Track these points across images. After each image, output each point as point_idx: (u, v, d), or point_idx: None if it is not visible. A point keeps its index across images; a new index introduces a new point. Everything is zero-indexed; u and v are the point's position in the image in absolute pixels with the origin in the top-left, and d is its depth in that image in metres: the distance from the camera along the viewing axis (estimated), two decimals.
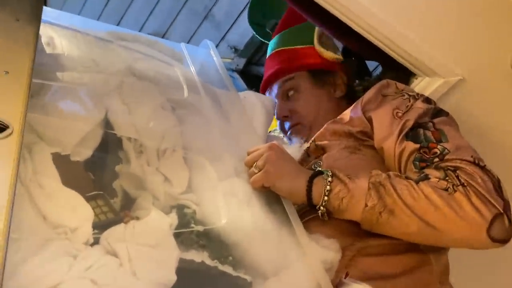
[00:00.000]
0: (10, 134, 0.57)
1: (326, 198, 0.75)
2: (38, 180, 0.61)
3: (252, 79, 1.90)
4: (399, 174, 0.77)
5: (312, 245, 0.73)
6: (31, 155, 0.64)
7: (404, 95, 0.89)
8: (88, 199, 0.64)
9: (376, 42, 0.97)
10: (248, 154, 0.84)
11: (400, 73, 1.05)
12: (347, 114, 0.96)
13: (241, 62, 1.92)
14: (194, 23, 1.85)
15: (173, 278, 0.59)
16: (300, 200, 0.78)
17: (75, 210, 0.60)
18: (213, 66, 1.15)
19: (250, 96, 1.12)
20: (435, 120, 0.83)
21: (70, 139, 0.70)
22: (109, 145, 0.77)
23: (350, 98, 1.10)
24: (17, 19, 0.68)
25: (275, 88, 1.13)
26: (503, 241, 0.70)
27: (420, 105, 0.86)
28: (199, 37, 1.90)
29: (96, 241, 0.59)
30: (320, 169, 0.81)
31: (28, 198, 0.58)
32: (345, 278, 0.74)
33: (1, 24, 0.66)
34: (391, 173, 0.77)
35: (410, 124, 0.82)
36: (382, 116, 0.86)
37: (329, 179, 0.76)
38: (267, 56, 1.21)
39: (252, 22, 1.48)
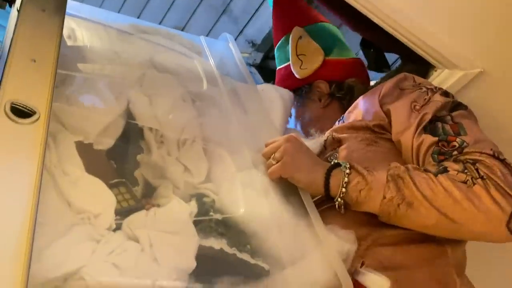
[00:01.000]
0: (37, 119, 0.58)
1: (344, 190, 0.75)
2: (63, 167, 0.62)
3: (269, 74, 1.90)
4: (417, 166, 0.76)
5: (329, 236, 0.72)
6: (56, 143, 0.65)
7: (422, 88, 0.88)
8: (111, 187, 0.65)
9: (395, 34, 0.96)
10: (266, 145, 0.85)
11: (420, 65, 1.04)
12: (364, 106, 0.95)
13: (258, 57, 1.91)
14: (212, 18, 1.85)
15: (193, 264, 0.60)
16: (318, 192, 0.78)
17: (98, 197, 0.61)
18: (231, 59, 1.15)
19: (269, 88, 1.12)
20: (454, 114, 0.82)
21: (92, 129, 0.71)
22: (131, 135, 0.78)
23: (341, 99, 1.12)
24: (43, 10, 0.69)
25: None
26: None
27: (438, 98, 0.84)
28: (217, 32, 1.90)
29: (118, 227, 0.60)
30: (336, 161, 0.81)
31: (53, 184, 0.59)
32: (361, 267, 0.74)
33: (28, 15, 0.67)
34: (409, 165, 0.76)
35: (428, 117, 0.81)
36: (400, 109, 0.85)
37: (347, 171, 0.76)
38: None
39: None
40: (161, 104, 0.85)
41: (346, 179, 0.75)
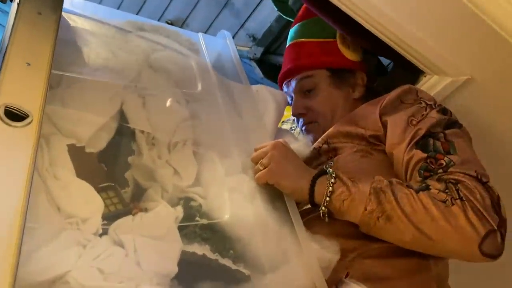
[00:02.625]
0: (30, 122, 0.59)
1: (328, 198, 0.77)
2: (54, 171, 0.63)
3: (269, 68, 1.89)
4: (401, 182, 0.78)
5: (310, 244, 0.74)
6: (49, 146, 0.67)
7: (421, 103, 0.88)
8: (100, 191, 0.66)
9: (386, 40, 0.97)
10: (255, 150, 0.86)
11: (410, 70, 1.05)
12: (362, 111, 0.96)
13: (258, 51, 1.90)
14: (214, 11, 1.84)
15: (175, 269, 0.62)
16: (303, 199, 0.80)
17: (87, 202, 0.63)
18: (229, 57, 1.15)
19: (262, 90, 1.12)
20: (447, 131, 0.83)
21: (85, 131, 0.72)
22: (123, 137, 0.79)
23: (369, 98, 1.08)
24: (39, 13, 0.70)
25: (293, 83, 1.10)
26: (494, 257, 0.71)
27: (434, 115, 0.85)
28: (219, 25, 1.88)
29: (104, 232, 0.61)
30: (328, 168, 0.82)
31: (44, 188, 0.61)
32: (345, 278, 0.75)
33: (25, 18, 0.67)
34: (393, 180, 0.77)
35: (421, 132, 0.82)
36: (397, 122, 0.86)
37: (332, 180, 0.77)
38: (288, 44, 1.17)
39: None
40: (154, 105, 0.86)
41: (330, 188, 0.77)
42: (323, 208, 0.77)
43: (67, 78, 0.79)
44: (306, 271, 0.71)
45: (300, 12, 1.20)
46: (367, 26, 0.95)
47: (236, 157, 0.87)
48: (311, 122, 1.08)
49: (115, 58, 0.91)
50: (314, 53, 1.10)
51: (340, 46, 1.09)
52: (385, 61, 1.21)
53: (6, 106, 0.58)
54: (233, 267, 0.67)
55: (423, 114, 0.85)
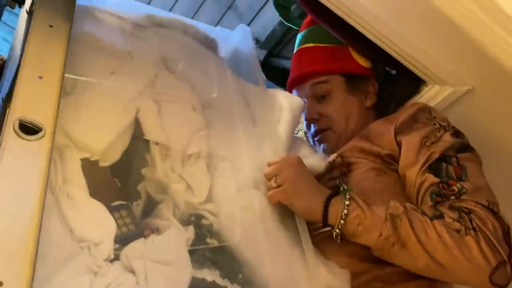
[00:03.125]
0: (43, 136, 0.59)
1: (342, 221, 0.76)
2: (67, 189, 0.62)
3: (272, 71, 1.85)
4: (415, 207, 0.78)
5: (320, 270, 0.73)
6: (62, 161, 0.65)
7: (435, 124, 0.89)
8: (112, 210, 0.65)
9: (388, 50, 0.97)
10: (268, 165, 0.84)
11: (412, 80, 1.05)
12: (378, 129, 0.94)
13: (261, 54, 1.87)
14: (217, 13, 1.79)
15: None
16: (316, 219, 0.79)
17: (99, 223, 0.62)
18: (245, 55, 1.12)
19: (279, 95, 1.08)
20: (460, 155, 0.83)
21: (99, 144, 0.70)
22: (137, 148, 0.77)
23: (379, 108, 1.08)
24: (50, 25, 0.69)
25: (306, 88, 1.08)
26: (502, 286, 0.73)
27: (448, 138, 0.85)
28: (223, 27, 1.86)
29: (116, 257, 0.61)
30: (343, 185, 0.82)
31: (57, 208, 0.60)
32: None
33: (36, 31, 0.66)
34: (408, 205, 0.77)
35: (435, 156, 0.82)
36: (411, 142, 0.86)
37: (347, 202, 0.76)
38: (297, 49, 1.15)
39: (277, 3, 1.40)
40: (170, 113, 0.84)
41: (345, 211, 0.76)
42: (337, 230, 0.77)
43: (81, 83, 0.76)
44: None
45: (309, 17, 1.17)
46: (369, 36, 0.95)
47: (249, 170, 0.85)
48: (324, 130, 1.06)
49: (131, 59, 0.87)
50: (327, 58, 1.08)
51: (352, 52, 1.08)
52: None
53: (20, 120, 0.57)
54: None
55: (436, 136, 0.86)
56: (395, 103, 1.09)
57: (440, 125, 0.88)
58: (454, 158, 0.82)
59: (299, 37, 1.16)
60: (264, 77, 1.85)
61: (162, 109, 0.84)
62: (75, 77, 0.76)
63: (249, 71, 1.07)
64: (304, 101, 1.08)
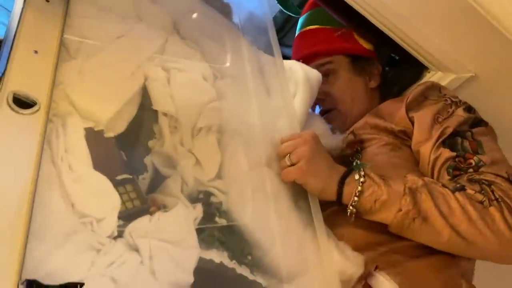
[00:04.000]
0: (37, 110, 0.58)
1: (356, 198, 0.74)
2: (69, 160, 0.59)
3: None
4: (435, 181, 0.76)
5: (332, 253, 0.70)
6: (64, 130, 0.61)
7: (447, 100, 0.88)
8: (117, 184, 0.62)
9: (391, 35, 0.98)
10: (282, 142, 0.80)
11: (415, 66, 1.05)
12: (388, 108, 0.94)
13: None
14: None
15: (191, 279, 0.59)
16: (330, 199, 0.76)
17: (103, 198, 0.59)
18: (261, 21, 1.06)
19: (296, 68, 1.03)
20: (474, 130, 0.82)
21: (105, 113, 0.66)
22: (144, 118, 0.73)
23: (382, 90, 1.09)
24: (47, 0, 0.67)
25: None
26: None
27: (461, 113, 0.84)
28: None
29: (120, 234, 0.58)
30: (356, 161, 0.80)
31: (58, 180, 0.57)
32: (374, 270, 0.75)
33: (32, 5, 0.65)
34: (426, 179, 0.75)
35: (449, 131, 0.81)
36: (423, 119, 0.85)
37: (362, 179, 0.74)
38: (300, 31, 1.14)
39: None
40: (179, 82, 0.79)
41: (359, 188, 0.74)
42: (351, 208, 0.74)
43: (86, 46, 0.72)
44: (324, 284, 0.69)
45: (311, 1, 1.16)
46: (372, 20, 0.95)
47: (261, 146, 0.81)
48: (330, 110, 1.05)
49: (140, 23, 0.82)
50: (331, 39, 1.08)
51: (355, 35, 1.08)
52: None
53: (14, 94, 0.57)
54: (250, 277, 0.64)
55: (448, 112, 0.85)
56: (398, 88, 1.10)
57: (452, 101, 0.87)
58: (469, 132, 0.81)
59: (301, 20, 1.16)
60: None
61: (172, 78, 0.79)
62: (80, 39, 0.72)
63: (264, 39, 1.01)
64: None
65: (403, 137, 0.87)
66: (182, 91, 0.78)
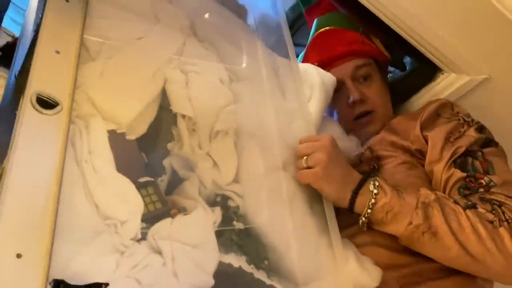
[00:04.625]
0: (60, 110, 0.59)
1: (369, 210, 0.75)
2: (93, 161, 0.60)
3: None
4: (447, 196, 0.77)
5: (348, 262, 0.72)
6: (88, 131, 0.63)
7: (459, 119, 0.89)
8: (139, 187, 0.63)
9: (405, 36, 0.98)
10: (300, 142, 0.82)
11: (428, 67, 1.06)
12: (402, 125, 0.95)
13: None
14: None
15: (211, 282, 0.61)
16: (343, 206, 0.78)
17: (126, 201, 0.60)
18: (275, 23, 1.07)
19: (311, 71, 1.04)
20: (485, 150, 0.83)
21: (127, 115, 0.67)
22: (163, 120, 0.74)
23: (395, 94, 1.13)
24: (67, 0, 0.68)
25: (347, 68, 1.06)
26: None
27: (472, 133, 0.86)
28: None
29: (143, 237, 0.59)
30: (371, 174, 0.81)
31: (82, 181, 0.58)
32: None
33: (52, 5, 0.66)
34: (439, 194, 0.77)
35: (461, 151, 0.82)
36: (436, 139, 0.86)
37: (375, 191, 0.75)
38: (322, 30, 1.14)
39: None
40: (197, 85, 0.80)
41: (373, 200, 0.75)
42: (364, 219, 0.76)
43: (107, 47, 0.73)
44: None
45: (325, 3, 1.17)
46: (386, 20, 0.96)
47: (277, 150, 0.83)
48: (370, 112, 1.04)
49: (159, 24, 0.84)
50: (363, 41, 1.09)
51: (377, 42, 1.11)
52: None
53: (38, 94, 0.57)
54: (268, 282, 0.66)
55: (460, 131, 0.86)
56: (411, 91, 1.13)
57: (464, 120, 0.89)
58: (480, 152, 0.82)
59: (321, 20, 1.16)
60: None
61: (190, 81, 0.81)
62: (101, 40, 0.73)
63: (278, 40, 1.03)
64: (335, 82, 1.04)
65: (419, 156, 0.89)
66: (200, 94, 0.79)
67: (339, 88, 1.03)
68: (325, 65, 1.07)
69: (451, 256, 0.73)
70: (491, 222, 0.72)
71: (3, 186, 0.49)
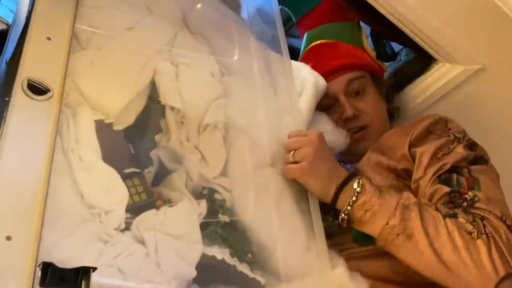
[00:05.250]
0: (51, 97, 0.60)
1: (349, 207, 0.76)
2: (79, 150, 0.61)
3: None
4: (429, 203, 0.77)
5: (337, 267, 0.73)
6: (75, 120, 0.64)
7: (450, 136, 0.87)
8: (125, 177, 0.64)
9: (400, 26, 0.99)
10: (289, 137, 0.83)
11: (422, 57, 1.06)
12: (390, 140, 0.93)
13: None
14: None
15: (193, 273, 0.62)
16: (327, 202, 0.79)
17: (111, 190, 0.61)
18: (268, 18, 1.08)
19: (305, 69, 1.04)
20: (472, 167, 0.82)
21: (115, 106, 0.69)
22: (152, 112, 0.75)
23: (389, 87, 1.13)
24: None
25: (340, 82, 1.03)
26: None
27: (460, 150, 0.84)
28: None
29: (127, 227, 0.60)
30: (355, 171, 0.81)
31: (68, 170, 0.59)
32: None
33: None
34: (422, 200, 0.77)
35: (446, 167, 0.81)
36: (423, 156, 0.84)
37: (358, 189, 0.76)
38: (311, 45, 1.12)
39: None
40: (187, 78, 0.81)
41: (354, 198, 0.76)
42: (343, 215, 0.76)
43: (98, 36, 0.73)
44: None
45: (321, 11, 1.17)
46: (381, 10, 0.96)
47: (267, 146, 0.84)
48: (364, 127, 1.02)
49: (151, 15, 0.84)
50: (357, 54, 1.08)
51: (372, 54, 1.09)
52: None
53: (29, 80, 0.58)
54: (250, 274, 0.67)
55: (449, 148, 0.85)
56: (405, 81, 1.11)
57: (455, 137, 0.87)
58: (466, 169, 0.81)
59: (311, 33, 1.14)
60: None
61: (180, 73, 0.81)
62: (91, 29, 0.74)
63: (272, 34, 1.03)
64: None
65: (405, 176, 0.87)
66: (189, 87, 0.80)
67: (333, 104, 1.02)
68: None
69: (424, 261, 0.71)
70: (470, 233, 0.70)
71: None
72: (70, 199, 0.57)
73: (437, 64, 1.07)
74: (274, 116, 0.89)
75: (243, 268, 0.67)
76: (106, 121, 0.67)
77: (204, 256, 0.64)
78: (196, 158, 0.75)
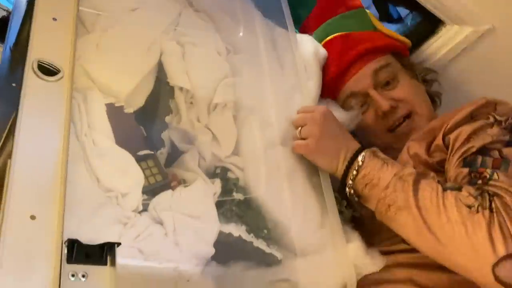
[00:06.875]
0: (62, 77, 0.59)
1: (350, 182, 0.75)
2: (93, 135, 0.62)
3: None
4: (434, 175, 0.74)
5: (353, 242, 0.74)
6: (86, 104, 0.64)
7: (489, 118, 0.80)
8: (139, 160, 0.65)
9: None
10: (297, 113, 0.83)
11: (429, 20, 1.02)
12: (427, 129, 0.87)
13: None
14: None
15: (211, 251, 0.64)
16: (338, 177, 0.78)
17: (126, 173, 0.62)
18: None
19: (307, 41, 1.03)
20: (505, 150, 0.74)
21: (124, 88, 0.69)
22: (161, 93, 0.76)
23: None
24: None
25: (364, 76, 0.95)
26: (509, 286, 0.61)
27: (494, 132, 0.77)
28: None
29: (144, 208, 0.62)
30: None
31: (83, 155, 0.60)
32: None
33: None
34: (422, 171, 0.74)
35: (472, 150, 0.75)
36: (457, 141, 0.78)
37: (360, 163, 0.75)
38: (321, 43, 1.03)
39: None
40: (194, 58, 0.81)
41: (355, 172, 0.74)
42: (347, 189, 0.75)
43: (102, 19, 0.73)
44: (338, 269, 0.72)
45: (321, 9, 1.09)
46: None
47: (276, 125, 0.84)
48: (408, 115, 0.93)
49: None
50: (375, 37, 1.00)
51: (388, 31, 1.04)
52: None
53: (39, 61, 0.58)
54: (267, 250, 0.69)
55: (484, 131, 0.77)
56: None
57: (495, 120, 0.79)
58: (496, 151, 0.74)
59: (318, 32, 1.07)
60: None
61: (186, 53, 0.81)
62: (95, 11, 0.73)
63: (277, 12, 1.02)
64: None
65: (441, 169, 0.80)
66: (197, 67, 0.81)
67: (364, 102, 0.95)
68: (341, 77, 0.97)
69: (415, 234, 0.68)
70: (469, 206, 0.65)
71: (13, 152, 0.50)
72: (87, 183, 0.58)
73: (444, 26, 1.03)
74: (282, 94, 0.89)
75: (260, 244, 0.69)
76: (116, 105, 0.67)
77: (221, 233, 0.65)
78: (207, 138, 0.76)
